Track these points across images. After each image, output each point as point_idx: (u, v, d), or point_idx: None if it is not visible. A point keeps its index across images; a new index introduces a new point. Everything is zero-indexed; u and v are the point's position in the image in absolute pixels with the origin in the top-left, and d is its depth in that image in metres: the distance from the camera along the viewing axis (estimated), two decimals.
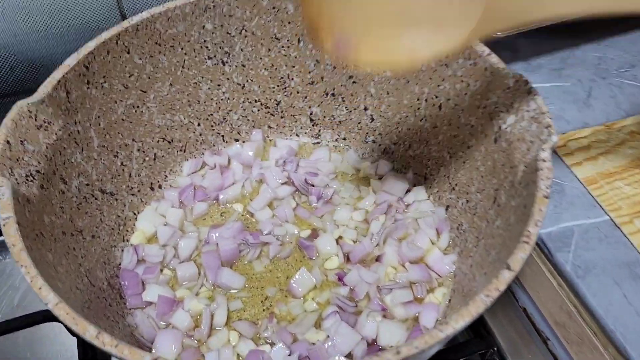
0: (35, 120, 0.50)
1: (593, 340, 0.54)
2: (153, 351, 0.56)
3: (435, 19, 0.42)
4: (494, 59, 0.55)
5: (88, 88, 0.57)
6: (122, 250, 0.63)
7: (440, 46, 0.42)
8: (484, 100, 0.57)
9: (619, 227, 0.58)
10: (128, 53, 0.60)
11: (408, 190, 0.69)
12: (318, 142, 0.76)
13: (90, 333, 0.36)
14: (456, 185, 0.63)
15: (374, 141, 0.73)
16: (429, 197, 0.68)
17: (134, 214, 0.66)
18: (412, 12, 0.42)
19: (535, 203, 0.43)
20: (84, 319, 0.37)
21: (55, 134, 0.53)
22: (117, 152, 0.63)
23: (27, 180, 0.48)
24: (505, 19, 0.41)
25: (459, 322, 0.37)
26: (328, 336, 0.57)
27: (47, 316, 0.59)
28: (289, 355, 0.55)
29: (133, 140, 0.65)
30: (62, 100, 0.54)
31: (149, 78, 0.64)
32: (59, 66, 0.54)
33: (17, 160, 0.48)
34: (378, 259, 0.63)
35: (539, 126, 0.50)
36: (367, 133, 0.73)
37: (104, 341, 0.35)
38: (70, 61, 0.54)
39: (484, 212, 0.57)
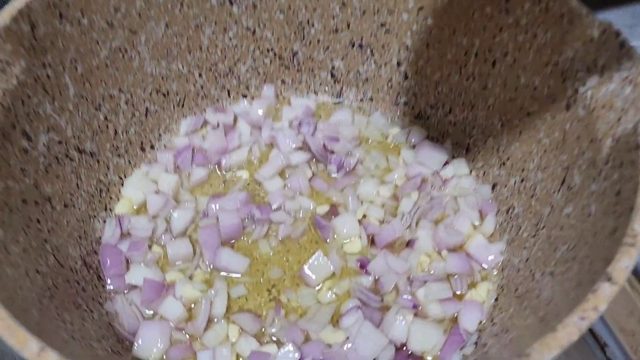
0: None
1: None
2: (135, 346, 0.46)
3: None
4: (574, 2, 0.43)
5: (61, 23, 0.46)
6: (104, 222, 0.53)
7: None
8: (556, 56, 0.45)
9: None
10: None
11: (446, 163, 0.58)
12: (340, 102, 0.65)
13: (30, 349, 0.26)
14: (508, 159, 0.52)
15: (406, 103, 0.62)
16: (471, 172, 0.57)
17: (120, 178, 0.56)
18: None
19: None
20: (25, 329, 0.27)
21: (16, 77, 0.42)
22: (100, 105, 0.52)
23: None
24: None
25: (544, 354, 0.26)
26: (347, 337, 0.47)
27: None
28: None
29: (120, 90, 0.54)
30: (25, 35, 0.43)
31: (140, 16, 0.53)
32: None
33: None
34: (409, 244, 0.53)
35: (634, 90, 0.38)
36: (399, 93, 0.62)
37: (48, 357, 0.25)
38: None
39: (546, 196, 0.46)
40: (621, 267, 0.29)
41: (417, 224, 0.54)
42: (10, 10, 0.42)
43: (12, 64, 0.42)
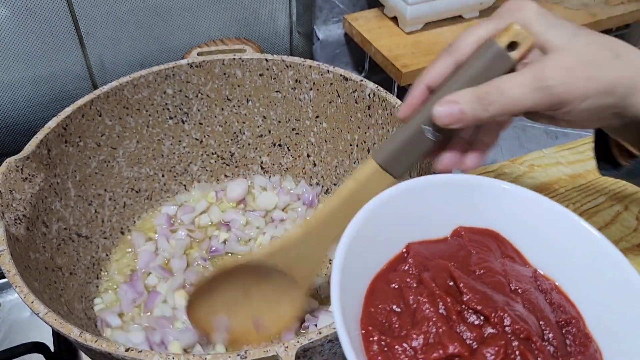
0: (22, 173, 0.60)
1: None
2: None
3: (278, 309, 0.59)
4: None
5: (66, 146, 0.67)
6: (97, 287, 0.72)
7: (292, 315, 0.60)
8: None
9: None
10: (100, 116, 0.71)
11: None
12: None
13: (74, 333, 0.45)
14: None
15: (317, 183, 0.84)
16: None
17: (107, 255, 0.75)
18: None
19: None
20: (69, 323, 0.45)
21: (38, 185, 0.62)
22: (91, 201, 0.72)
23: (16, 222, 0.57)
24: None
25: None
26: None
27: (29, 348, 0.66)
28: None
29: (105, 190, 0.74)
30: (43, 156, 0.63)
31: (118, 137, 0.74)
32: (42, 128, 0.64)
33: (8, 206, 0.57)
34: None
35: None
36: (311, 177, 0.84)
37: (86, 338, 0.44)
38: (51, 124, 0.65)
39: None
40: None
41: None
42: (35, 140, 0.62)
43: (36, 176, 0.62)
